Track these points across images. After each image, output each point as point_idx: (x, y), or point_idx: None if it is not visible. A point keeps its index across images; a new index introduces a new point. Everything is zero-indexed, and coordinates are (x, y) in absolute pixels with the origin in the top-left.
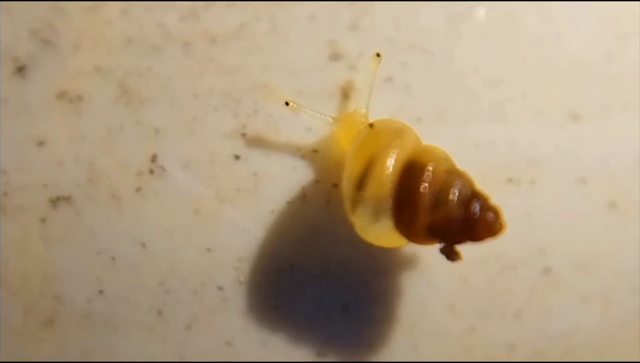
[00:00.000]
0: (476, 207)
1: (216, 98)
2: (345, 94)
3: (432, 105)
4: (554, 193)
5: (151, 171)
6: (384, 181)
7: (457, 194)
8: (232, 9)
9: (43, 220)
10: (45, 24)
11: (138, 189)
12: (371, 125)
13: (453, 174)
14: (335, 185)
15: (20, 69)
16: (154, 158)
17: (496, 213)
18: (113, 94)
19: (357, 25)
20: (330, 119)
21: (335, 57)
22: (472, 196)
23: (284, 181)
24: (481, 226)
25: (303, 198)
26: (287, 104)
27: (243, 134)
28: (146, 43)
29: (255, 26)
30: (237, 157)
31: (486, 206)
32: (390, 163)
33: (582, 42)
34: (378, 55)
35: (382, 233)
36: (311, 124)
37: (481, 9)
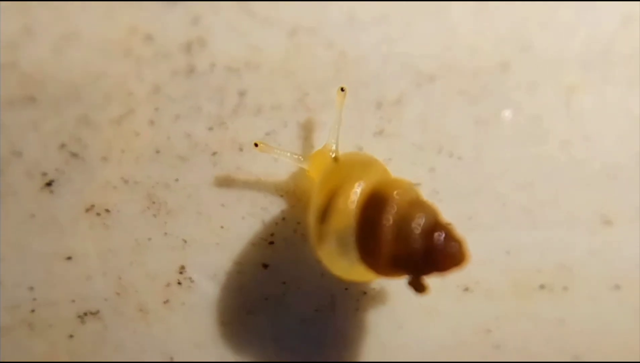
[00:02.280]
0: (439, 238)
1: (244, 207)
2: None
3: (461, 210)
4: (587, 299)
5: (179, 283)
6: (347, 213)
7: (420, 225)
8: (259, 117)
9: (71, 336)
10: (73, 137)
11: (166, 302)
12: (336, 158)
13: (417, 205)
14: (365, 292)
15: (49, 184)
16: (181, 270)
17: (459, 243)
18: (141, 206)
19: (383, 131)
20: (300, 157)
21: None
22: (436, 226)
23: (312, 288)
24: (445, 257)
25: (332, 306)
26: (256, 145)
27: (271, 243)
28: (174, 153)
29: (282, 133)
30: (265, 266)
31: (450, 237)
32: (353, 195)
33: (611, 145)
34: (342, 89)
35: (349, 267)
36: None
37: (508, 111)
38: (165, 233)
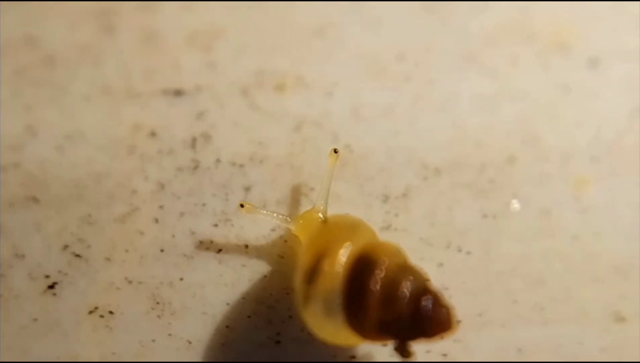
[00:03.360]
0: (427, 303)
1: (250, 305)
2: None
3: (471, 307)
4: None
5: None
6: (334, 276)
7: (408, 290)
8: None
9: None
10: (76, 238)
11: None
12: (325, 220)
13: (405, 269)
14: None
15: (52, 287)
16: None
17: (448, 309)
18: (145, 307)
19: (390, 225)
20: (287, 218)
21: None
22: (424, 292)
23: None
24: (432, 323)
25: None
26: (242, 206)
27: (277, 342)
28: (178, 252)
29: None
30: None
31: (438, 303)
32: (341, 257)
33: (622, 240)
34: (335, 151)
35: (334, 330)
36: None
37: (516, 206)
38: (170, 334)
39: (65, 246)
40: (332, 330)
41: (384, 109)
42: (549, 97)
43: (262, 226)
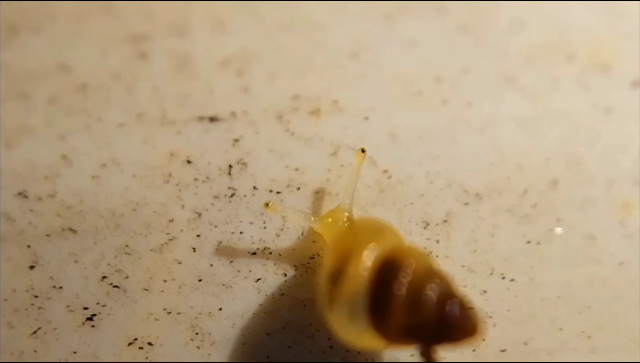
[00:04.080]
0: (453, 308)
1: (290, 335)
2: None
3: (517, 335)
4: None
5: None
6: (359, 278)
7: (434, 294)
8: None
9: None
10: (114, 268)
11: None
12: (350, 222)
13: (431, 273)
14: None
15: (90, 318)
16: None
17: (474, 314)
18: (184, 338)
19: (432, 252)
20: (312, 217)
21: None
22: (449, 296)
23: None
24: (458, 328)
25: None
26: (267, 205)
27: None
28: (217, 281)
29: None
30: None
31: (463, 307)
32: (367, 260)
33: None
34: (363, 151)
35: (358, 333)
36: None
37: (560, 231)
38: None
39: (103, 277)
40: (356, 333)
41: (421, 133)
42: (590, 119)
43: (300, 255)
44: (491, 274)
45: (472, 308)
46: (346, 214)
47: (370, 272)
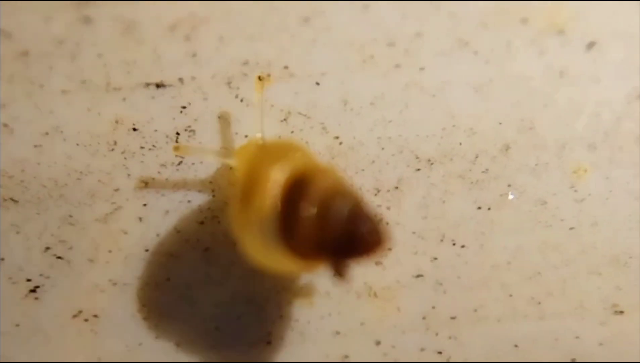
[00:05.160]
0: (360, 222)
1: (239, 306)
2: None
3: (466, 302)
4: None
5: None
6: (269, 196)
7: (341, 210)
8: None
9: None
10: (58, 239)
11: None
12: (263, 143)
13: (339, 190)
14: None
15: (33, 290)
16: None
17: (379, 227)
18: (130, 310)
19: (382, 219)
20: (225, 150)
21: None
22: (357, 211)
23: None
24: (365, 241)
25: None
26: (176, 148)
27: (268, 343)
28: (164, 251)
29: None
30: None
31: (370, 221)
32: (276, 178)
33: (620, 230)
34: (260, 78)
35: (272, 254)
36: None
37: (511, 197)
38: (157, 337)
39: (47, 248)
40: (269, 253)
41: (373, 99)
42: (543, 83)
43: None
44: (442, 241)
45: (376, 222)
46: (260, 139)
47: (280, 190)
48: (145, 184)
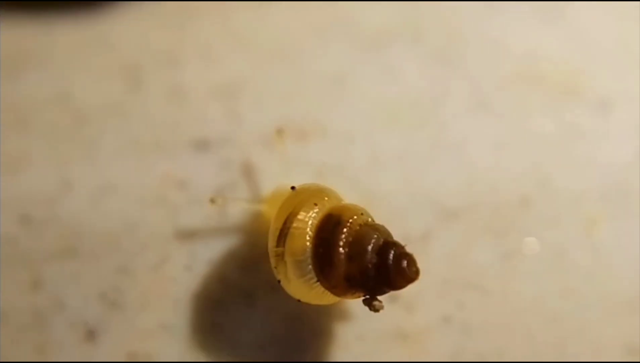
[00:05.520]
0: (390, 255)
1: (281, 349)
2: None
3: (491, 345)
4: None
5: None
6: (301, 235)
7: (372, 244)
8: None
9: None
10: (113, 286)
11: None
12: (293, 188)
13: (368, 226)
14: None
15: (90, 334)
16: None
17: (410, 260)
18: (180, 352)
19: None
20: (256, 199)
21: (393, 298)
22: (387, 245)
23: None
24: (396, 273)
25: None
26: (212, 201)
27: None
28: (211, 298)
29: None
30: None
31: (400, 254)
32: (308, 217)
33: (634, 276)
34: (278, 131)
35: (307, 289)
36: None
37: (532, 244)
38: None
39: (102, 295)
40: (302, 288)
41: (400, 154)
42: (559, 140)
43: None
44: (467, 287)
45: (408, 255)
46: (290, 186)
47: (313, 229)
48: (192, 235)
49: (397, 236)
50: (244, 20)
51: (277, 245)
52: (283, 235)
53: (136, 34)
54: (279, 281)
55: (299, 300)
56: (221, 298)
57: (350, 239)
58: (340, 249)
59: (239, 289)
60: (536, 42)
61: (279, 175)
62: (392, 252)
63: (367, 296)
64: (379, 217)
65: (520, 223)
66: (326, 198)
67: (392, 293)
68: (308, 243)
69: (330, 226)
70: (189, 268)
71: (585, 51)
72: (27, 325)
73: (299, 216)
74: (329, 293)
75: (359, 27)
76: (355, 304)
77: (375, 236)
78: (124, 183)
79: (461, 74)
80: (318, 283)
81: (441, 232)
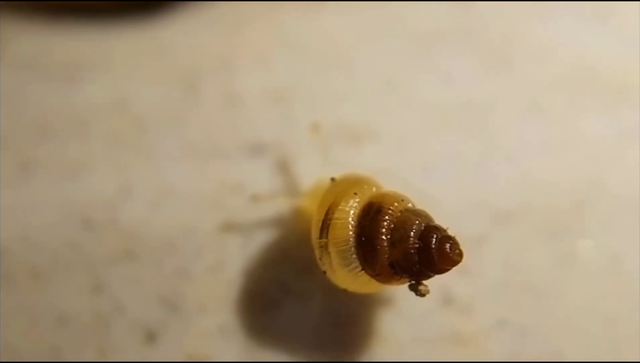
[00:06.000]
0: (433, 239)
1: (333, 352)
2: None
3: (548, 347)
4: None
5: None
6: (343, 225)
7: (414, 229)
8: None
9: None
10: (172, 289)
11: None
12: (333, 179)
13: (409, 212)
14: None
15: (150, 337)
16: None
17: (453, 243)
18: (237, 353)
19: (467, 270)
20: (296, 193)
21: (447, 301)
22: (429, 229)
23: None
24: (439, 257)
25: None
26: (254, 199)
27: None
28: (266, 300)
29: None
30: None
31: (443, 238)
32: (349, 207)
33: None
34: (314, 125)
35: (352, 278)
36: None
37: (586, 246)
38: None
39: (162, 298)
40: (348, 277)
41: (453, 158)
42: (614, 142)
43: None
44: (523, 289)
45: (451, 238)
46: (329, 178)
47: (355, 218)
48: (248, 237)
49: None
50: (296, 24)
51: (321, 237)
52: (325, 226)
53: (192, 40)
54: (324, 272)
55: (345, 290)
56: (277, 300)
57: (392, 225)
58: (383, 236)
59: (295, 290)
60: (587, 43)
61: (320, 170)
62: (435, 236)
63: (413, 282)
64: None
65: (574, 226)
66: (366, 187)
67: (447, 296)
68: (351, 233)
69: (371, 214)
70: (245, 270)
71: (637, 51)
72: (88, 327)
73: (340, 207)
74: (374, 281)
75: (410, 30)
76: (410, 306)
77: (417, 221)
78: (181, 187)
79: (513, 76)
80: (363, 271)
81: (495, 236)
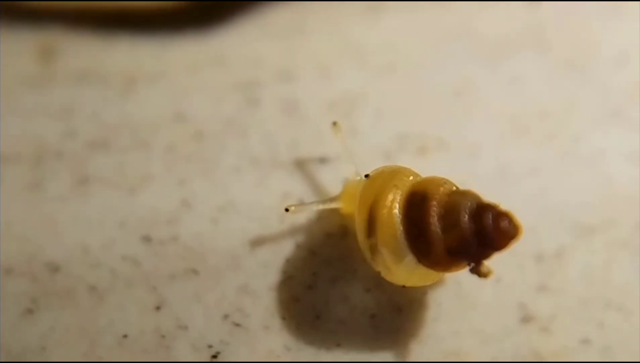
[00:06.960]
0: (488, 217)
1: None
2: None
3: None
4: None
5: None
6: (390, 221)
7: (465, 211)
8: None
9: None
10: (235, 307)
11: None
12: (367, 176)
13: (456, 194)
14: None
15: (215, 356)
16: None
17: (510, 217)
18: None
19: (546, 286)
20: (331, 199)
21: (526, 319)
22: (481, 208)
23: None
24: (498, 234)
25: None
26: (287, 210)
27: None
28: (333, 318)
29: (440, 292)
30: None
31: (497, 214)
32: (391, 201)
33: None
34: (334, 123)
35: (409, 272)
36: None
37: None
38: None
39: (225, 316)
40: (406, 273)
41: (530, 168)
42: None
43: (413, 291)
44: (607, 306)
45: (505, 213)
46: (357, 178)
47: (400, 211)
48: (314, 254)
49: (529, 253)
50: (356, 32)
51: (369, 236)
52: (371, 225)
53: (249, 50)
54: (379, 273)
55: (404, 286)
56: (345, 319)
57: (442, 211)
58: (434, 224)
59: (363, 309)
60: None
61: (345, 170)
62: (490, 214)
63: (472, 265)
64: None
65: None
66: (404, 177)
67: (526, 314)
68: (399, 226)
69: (417, 203)
70: (311, 288)
71: None
72: (151, 346)
73: (382, 202)
74: (432, 272)
75: (479, 37)
76: (489, 325)
77: (467, 202)
78: (243, 201)
79: (590, 83)
80: (420, 263)
81: (577, 249)
